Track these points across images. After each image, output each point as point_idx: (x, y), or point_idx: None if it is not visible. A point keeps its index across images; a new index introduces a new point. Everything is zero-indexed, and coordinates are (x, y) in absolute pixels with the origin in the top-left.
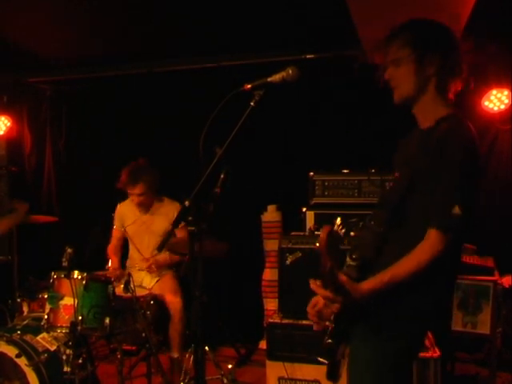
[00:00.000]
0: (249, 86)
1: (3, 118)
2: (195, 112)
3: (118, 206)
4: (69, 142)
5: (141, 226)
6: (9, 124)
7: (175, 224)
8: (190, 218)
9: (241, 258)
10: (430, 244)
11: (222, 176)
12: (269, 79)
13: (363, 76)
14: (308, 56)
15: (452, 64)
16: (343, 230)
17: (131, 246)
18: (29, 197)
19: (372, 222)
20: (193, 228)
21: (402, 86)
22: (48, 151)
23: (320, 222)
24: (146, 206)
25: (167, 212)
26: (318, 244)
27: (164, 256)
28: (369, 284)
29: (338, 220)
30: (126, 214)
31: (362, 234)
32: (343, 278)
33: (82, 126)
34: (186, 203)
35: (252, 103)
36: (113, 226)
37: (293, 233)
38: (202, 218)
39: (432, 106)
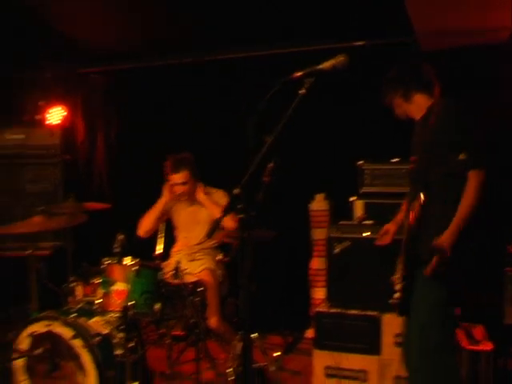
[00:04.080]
0: (299, 73)
1: (59, 108)
2: (245, 101)
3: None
4: (120, 131)
5: (188, 216)
6: (64, 114)
7: (225, 212)
8: (239, 206)
9: (288, 247)
10: (474, 180)
11: (270, 165)
12: (319, 67)
13: (414, 63)
14: (358, 43)
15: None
16: None
17: (179, 236)
18: (81, 184)
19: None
20: (242, 216)
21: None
22: (100, 140)
23: (368, 211)
24: (190, 197)
25: (215, 200)
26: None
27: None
28: (447, 234)
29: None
30: (176, 203)
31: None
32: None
33: (133, 115)
34: (236, 191)
35: (302, 91)
36: None
37: (341, 222)
38: (251, 206)
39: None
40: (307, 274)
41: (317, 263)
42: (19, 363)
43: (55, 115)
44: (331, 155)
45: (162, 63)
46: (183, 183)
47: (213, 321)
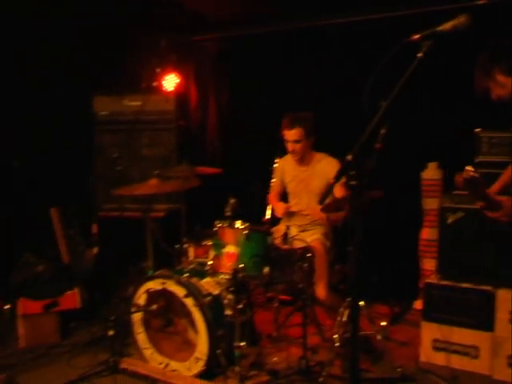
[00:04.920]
0: (417, 36)
1: (173, 75)
2: (360, 65)
3: (278, 160)
4: (232, 97)
5: (299, 183)
6: (178, 81)
7: (337, 178)
8: (352, 173)
9: (398, 216)
10: None
11: (383, 131)
12: (439, 28)
13: None
14: (479, 2)
15: None
16: None
17: (291, 201)
18: (194, 149)
19: None
20: (354, 182)
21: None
22: (212, 106)
23: (485, 180)
24: (302, 160)
25: (326, 171)
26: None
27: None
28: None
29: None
30: (286, 169)
31: None
32: None
33: (244, 82)
34: (349, 157)
35: (420, 54)
36: (272, 178)
37: (455, 192)
38: (363, 173)
39: None
40: (417, 244)
41: (427, 233)
42: (137, 317)
43: (170, 82)
44: (446, 122)
45: (273, 29)
46: (295, 141)
47: (320, 292)
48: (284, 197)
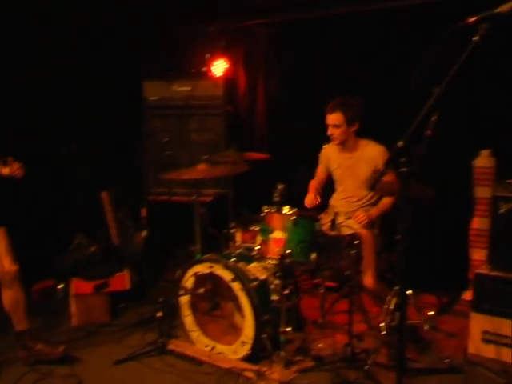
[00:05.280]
0: (473, 18)
1: (222, 61)
2: (412, 50)
3: (324, 147)
4: (280, 82)
5: (345, 170)
6: (226, 66)
7: (387, 164)
8: (402, 160)
9: (447, 204)
10: None
11: (434, 118)
12: (496, 10)
13: None
14: None
15: None
16: None
17: (338, 188)
18: (242, 135)
19: None
20: (405, 169)
21: None
22: (261, 91)
23: None
24: (346, 147)
25: (372, 158)
26: None
27: (375, 210)
28: None
29: None
30: (332, 156)
31: None
32: None
33: (293, 67)
34: (399, 144)
35: (476, 38)
36: (318, 165)
37: (508, 180)
38: (413, 160)
39: None
40: (467, 233)
41: (478, 223)
42: (184, 299)
43: (219, 68)
44: (501, 109)
45: (323, 14)
46: (335, 125)
47: (368, 279)
48: (331, 184)
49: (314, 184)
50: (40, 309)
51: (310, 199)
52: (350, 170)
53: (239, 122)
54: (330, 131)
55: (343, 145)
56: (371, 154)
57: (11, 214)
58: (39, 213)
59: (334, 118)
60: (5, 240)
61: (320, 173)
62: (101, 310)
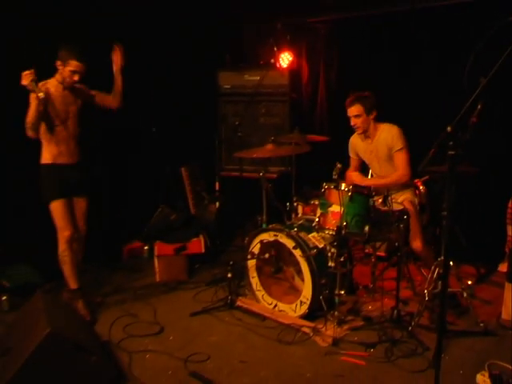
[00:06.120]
0: None
1: (287, 54)
2: (461, 45)
3: (351, 137)
4: (339, 73)
5: (370, 155)
6: (291, 58)
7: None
8: (450, 143)
9: (490, 184)
10: None
11: (479, 106)
12: None
13: None
14: None
15: None
16: None
17: (371, 172)
18: (304, 119)
19: None
20: (453, 152)
21: None
22: (321, 81)
23: None
24: (367, 134)
25: (388, 138)
26: None
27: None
28: None
29: None
30: (357, 145)
31: None
32: None
33: (351, 59)
34: (448, 129)
35: None
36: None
37: None
38: (460, 144)
39: None
40: (505, 211)
41: None
42: (251, 263)
43: (284, 60)
44: None
45: (375, 13)
46: (356, 115)
47: (416, 244)
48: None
49: (348, 172)
50: (129, 266)
51: (350, 176)
52: (373, 154)
53: (302, 108)
54: (352, 122)
55: (365, 133)
56: (386, 135)
57: (97, 186)
58: (130, 186)
59: (354, 110)
60: (84, 208)
61: (352, 161)
62: (180, 269)
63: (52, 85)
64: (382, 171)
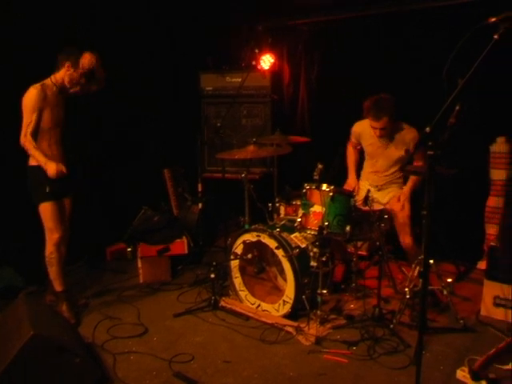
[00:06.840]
0: (494, 19)
1: (268, 56)
2: (439, 47)
3: (356, 124)
4: (320, 75)
5: (377, 149)
6: (272, 60)
7: (417, 148)
8: (429, 143)
9: (467, 185)
10: None
11: (457, 107)
12: None
13: None
14: None
15: None
16: None
17: (368, 161)
18: (286, 120)
19: None
20: (432, 152)
21: None
22: (302, 82)
23: None
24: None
25: (406, 139)
26: None
27: (408, 188)
28: None
29: None
30: (363, 133)
31: None
32: None
33: (331, 61)
34: (427, 130)
35: (495, 36)
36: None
37: None
38: (438, 144)
39: None
40: (483, 210)
41: (493, 202)
42: (234, 263)
43: (266, 61)
44: None
45: (356, 15)
46: (383, 128)
47: (406, 239)
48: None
49: (351, 159)
50: (112, 267)
51: (351, 186)
52: (381, 150)
53: (284, 110)
54: (378, 133)
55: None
56: (405, 136)
57: (79, 187)
58: (113, 188)
59: (382, 124)
60: (68, 209)
61: (351, 146)
62: (163, 270)
63: (48, 87)
64: (384, 167)
